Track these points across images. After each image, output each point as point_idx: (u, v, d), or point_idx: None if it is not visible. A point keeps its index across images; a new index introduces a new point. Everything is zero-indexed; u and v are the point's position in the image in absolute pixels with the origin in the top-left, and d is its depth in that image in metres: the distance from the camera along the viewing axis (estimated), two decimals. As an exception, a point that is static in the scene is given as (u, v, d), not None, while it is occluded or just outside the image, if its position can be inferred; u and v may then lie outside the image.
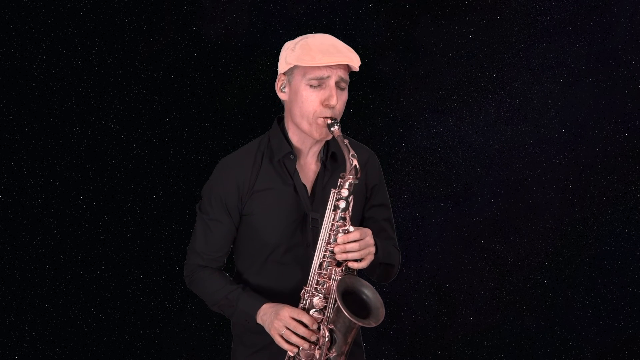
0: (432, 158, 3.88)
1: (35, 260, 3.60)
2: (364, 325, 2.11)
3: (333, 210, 2.17)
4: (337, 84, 2.19)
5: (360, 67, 2.23)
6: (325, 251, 2.18)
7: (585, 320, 3.92)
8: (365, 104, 3.78)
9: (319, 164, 2.32)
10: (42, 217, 3.59)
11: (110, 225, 3.67)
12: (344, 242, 2.14)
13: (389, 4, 3.78)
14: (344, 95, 2.22)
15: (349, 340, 2.15)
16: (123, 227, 3.69)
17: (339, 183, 2.18)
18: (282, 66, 2.23)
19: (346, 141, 2.15)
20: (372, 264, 2.20)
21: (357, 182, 2.16)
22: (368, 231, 2.19)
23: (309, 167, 2.32)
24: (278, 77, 2.26)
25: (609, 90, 3.82)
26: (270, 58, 3.62)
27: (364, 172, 2.33)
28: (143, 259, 3.72)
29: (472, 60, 3.83)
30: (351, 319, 2.08)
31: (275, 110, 3.59)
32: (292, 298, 2.25)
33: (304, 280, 2.25)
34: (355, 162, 2.14)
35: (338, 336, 2.14)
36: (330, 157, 2.32)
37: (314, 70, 2.16)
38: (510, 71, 3.83)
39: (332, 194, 2.18)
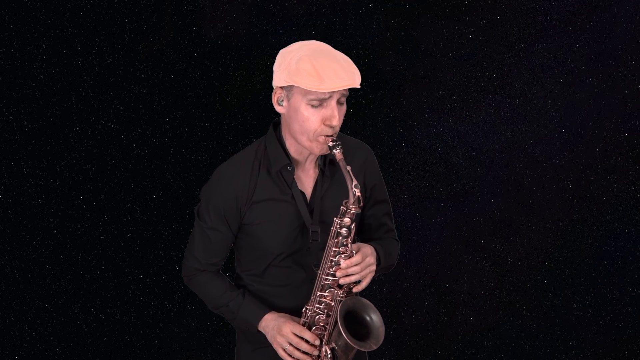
0: (432, 158, 3.87)
1: (35, 260, 3.60)
2: (365, 350, 2.16)
3: (335, 238, 2.19)
4: (337, 101, 2.16)
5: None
6: (327, 275, 2.20)
7: (585, 320, 3.92)
8: (365, 104, 3.78)
9: (317, 170, 2.32)
10: (42, 217, 3.59)
11: (110, 225, 3.67)
12: (346, 267, 2.17)
13: (389, 4, 3.77)
14: (343, 109, 2.20)
15: (350, 357, 2.20)
16: (123, 227, 3.69)
17: (341, 211, 2.18)
18: (280, 81, 2.18)
19: (349, 168, 2.14)
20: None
21: (359, 211, 2.17)
22: (368, 251, 2.22)
23: (307, 175, 2.31)
24: (275, 90, 2.21)
25: (609, 90, 3.82)
26: (270, 58, 3.60)
27: (362, 173, 2.34)
28: (143, 259, 3.72)
29: (472, 60, 3.83)
30: (353, 345, 2.12)
31: (275, 111, 3.59)
32: (293, 298, 2.29)
33: (305, 280, 2.29)
34: (357, 192, 2.13)
35: (339, 354, 2.18)
36: (329, 163, 2.31)
37: (316, 93, 2.12)
38: (510, 71, 3.83)
39: (334, 223, 2.19)
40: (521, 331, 3.93)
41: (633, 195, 3.87)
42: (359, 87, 2.17)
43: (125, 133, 3.65)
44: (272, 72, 2.26)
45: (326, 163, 2.30)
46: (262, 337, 2.31)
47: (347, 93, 2.18)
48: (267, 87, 3.54)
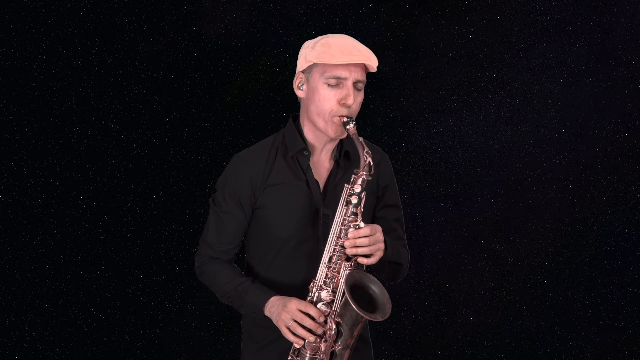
0: (432, 158, 3.88)
1: (35, 260, 3.60)
2: (371, 319, 2.13)
3: (345, 206, 2.19)
4: (354, 84, 2.22)
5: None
6: (335, 245, 2.20)
7: (585, 320, 3.92)
8: (365, 104, 3.76)
9: (332, 162, 2.34)
10: (42, 217, 3.59)
11: (110, 225, 3.67)
12: (354, 237, 2.16)
13: (389, 4, 3.78)
14: (360, 96, 2.26)
15: (355, 334, 2.17)
16: (123, 227, 3.69)
17: (352, 179, 2.20)
18: (301, 64, 2.26)
19: (361, 139, 2.18)
20: (380, 261, 2.22)
21: (370, 178, 2.18)
22: (378, 227, 2.21)
23: (322, 165, 2.33)
24: (296, 74, 2.28)
25: (609, 90, 3.82)
26: (270, 58, 3.63)
27: (376, 172, 2.35)
28: (143, 259, 3.72)
29: (472, 60, 3.83)
30: (359, 312, 2.09)
31: (275, 110, 3.59)
32: (301, 292, 2.27)
33: (313, 275, 2.27)
34: (369, 159, 2.16)
35: (344, 329, 2.15)
36: (344, 155, 2.34)
37: (333, 70, 2.19)
38: (510, 71, 3.83)
39: (344, 189, 2.21)
40: (521, 331, 3.93)
41: (633, 195, 3.87)
42: (374, 69, 2.24)
43: (125, 133, 3.65)
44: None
45: (341, 154, 2.33)
46: (268, 334, 2.31)
47: (365, 79, 2.24)
48: (267, 87, 3.55)
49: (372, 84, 3.77)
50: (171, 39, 3.65)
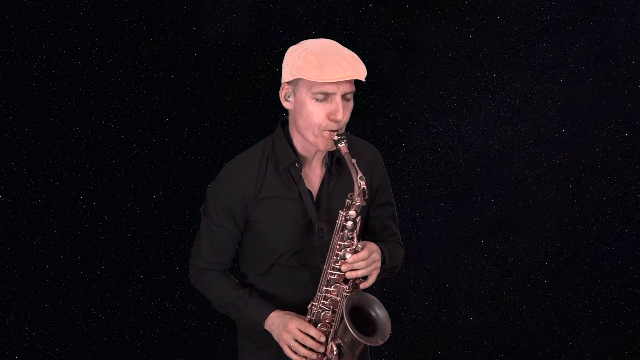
0: (432, 158, 3.88)
1: (35, 260, 3.60)
2: (372, 345, 2.16)
3: (341, 231, 2.19)
4: (343, 96, 2.16)
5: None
6: (332, 270, 2.20)
7: (585, 320, 3.92)
8: (365, 104, 3.78)
9: (324, 169, 2.32)
10: (42, 217, 3.59)
11: (110, 225, 3.67)
12: (352, 261, 2.17)
13: (389, 4, 3.78)
14: (350, 105, 2.21)
15: (356, 353, 2.21)
16: (123, 227, 3.69)
17: (346, 204, 2.19)
18: (287, 76, 2.19)
19: (354, 160, 2.14)
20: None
21: (365, 204, 2.17)
22: (374, 247, 2.23)
23: (313, 172, 2.32)
24: (282, 85, 2.21)
25: (609, 90, 3.82)
26: (270, 58, 3.63)
27: (368, 173, 2.34)
28: (143, 259, 3.72)
29: (472, 60, 3.83)
30: (359, 339, 2.12)
31: (275, 110, 3.59)
32: (297, 300, 2.29)
33: (309, 280, 2.30)
34: (363, 184, 2.13)
35: (345, 350, 2.18)
36: (336, 162, 2.32)
37: (320, 86, 2.13)
38: (510, 71, 3.83)
39: (339, 215, 2.19)
40: (521, 331, 3.93)
41: (633, 195, 3.87)
42: (363, 80, 2.17)
43: (125, 133, 3.65)
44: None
45: (333, 161, 2.31)
46: (266, 336, 2.32)
47: (353, 89, 2.19)
48: (267, 87, 3.55)
49: (372, 84, 3.78)
50: (171, 39, 3.65)
